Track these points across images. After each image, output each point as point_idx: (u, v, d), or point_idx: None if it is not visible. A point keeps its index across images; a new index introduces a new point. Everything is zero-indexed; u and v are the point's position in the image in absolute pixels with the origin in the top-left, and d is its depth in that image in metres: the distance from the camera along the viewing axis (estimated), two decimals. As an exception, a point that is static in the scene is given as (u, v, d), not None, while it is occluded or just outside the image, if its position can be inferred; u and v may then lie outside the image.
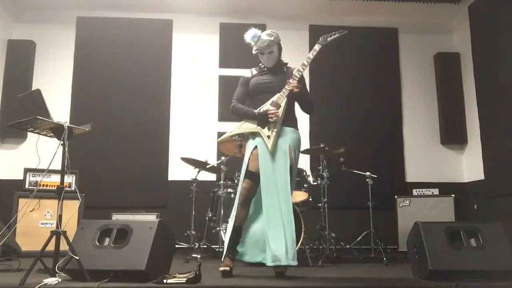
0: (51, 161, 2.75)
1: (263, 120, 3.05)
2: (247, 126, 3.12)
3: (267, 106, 3.07)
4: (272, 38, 3.10)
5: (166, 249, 2.86)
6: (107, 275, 2.50)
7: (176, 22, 5.84)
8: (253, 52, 3.15)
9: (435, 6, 5.62)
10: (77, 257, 2.52)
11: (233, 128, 3.19)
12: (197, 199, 4.52)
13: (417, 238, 2.85)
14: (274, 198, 2.91)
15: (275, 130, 3.02)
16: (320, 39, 3.19)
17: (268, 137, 3.01)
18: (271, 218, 2.88)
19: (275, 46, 3.14)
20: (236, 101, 3.20)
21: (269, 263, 2.85)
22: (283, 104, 3.05)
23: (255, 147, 3.06)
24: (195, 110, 5.71)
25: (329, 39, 3.20)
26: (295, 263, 2.82)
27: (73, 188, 4.24)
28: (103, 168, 5.33)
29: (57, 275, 2.52)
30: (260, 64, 3.26)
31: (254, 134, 3.11)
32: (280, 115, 3.03)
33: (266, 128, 3.04)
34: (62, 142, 2.71)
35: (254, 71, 3.27)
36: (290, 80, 3.07)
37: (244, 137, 3.22)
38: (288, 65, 3.27)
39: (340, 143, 4.44)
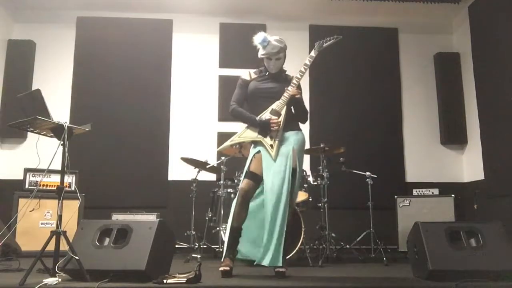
0: (51, 161, 2.75)
1: (264, 128, 3.04)
2: (248, 135, 3.10)
3: (267, 115, 3.06)
4: (282, 45, 3.12)
5: (166, 249, 2.86)
6: (107, 275, 2.50)
7: (176, 22, 5.84)
8: (260, 55, 3.14)
9: (435, 6, 5.62)
10: (77, 257, 2.53)
11: (233, 128, 3.18)
12: (197, 199, 4.52)
13: (417, 238, 2.85)
14: (275, 201, 2.89)
15: (278, 139, 3.02)
16: (316, 45, 3.19)
17: (271, 146, 3.00)
18: (271, 221, 2.86)
19: (283, 54, 3.16)
20: (235, 104, 3.18)
21: (260, 262, 2.89)
22: (283, 112, 3.05)
23: (258, 151, 3.06)
24: (195, 110, 5.71)
25: (324, 45, 3.20)
26: (273, 263, 2.83)
27: (73, 188, 4.25)
28: (103, 168, 5.33)
29: (57, 275, 2.52)
30: (260, 68, 3.25)
31: (255, 143, 3.11)
32: (281, 124, 3.03)
33: (268, 137, 3.03)
34: (62, 142, 2.71)
35: (253, 74, 3.25)
36: (289, 87, 3.07)
37: (245, 144, 3.20)
38: (286, 73, 3.27)
39: (340, 143, 4.45)
